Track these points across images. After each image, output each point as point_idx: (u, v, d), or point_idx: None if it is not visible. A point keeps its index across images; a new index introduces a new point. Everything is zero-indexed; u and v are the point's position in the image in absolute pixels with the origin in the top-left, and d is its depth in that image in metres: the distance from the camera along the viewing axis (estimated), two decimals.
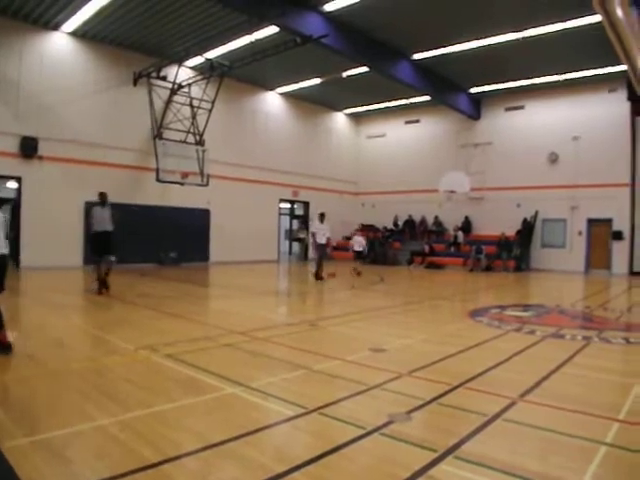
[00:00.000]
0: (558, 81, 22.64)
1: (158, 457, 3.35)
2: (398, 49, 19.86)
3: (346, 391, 4.88)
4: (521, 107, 24.84)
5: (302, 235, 28.21)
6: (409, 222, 27.97)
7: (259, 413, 4.39)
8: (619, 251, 22.18)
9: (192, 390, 4.86)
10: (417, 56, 20.41)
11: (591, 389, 5.40)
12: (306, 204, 28.23)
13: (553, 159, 23.66)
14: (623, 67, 17.20)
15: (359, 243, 18.87)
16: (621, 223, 22.05)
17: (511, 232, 23.73)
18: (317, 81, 23.64)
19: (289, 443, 3.80)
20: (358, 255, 18.89)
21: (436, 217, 27.13)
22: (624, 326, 9.49)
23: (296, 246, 29.75)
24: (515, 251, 23.14)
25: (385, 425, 4.00)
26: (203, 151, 20.52)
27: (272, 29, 17.12)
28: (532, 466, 3.40)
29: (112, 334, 7.42)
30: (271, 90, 25.66)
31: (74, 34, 18.41)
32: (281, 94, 26.18)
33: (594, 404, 4.77)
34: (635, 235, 22.10)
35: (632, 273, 21.73)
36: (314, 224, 17.01)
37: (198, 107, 20.77)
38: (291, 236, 30.15)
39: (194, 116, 20.80)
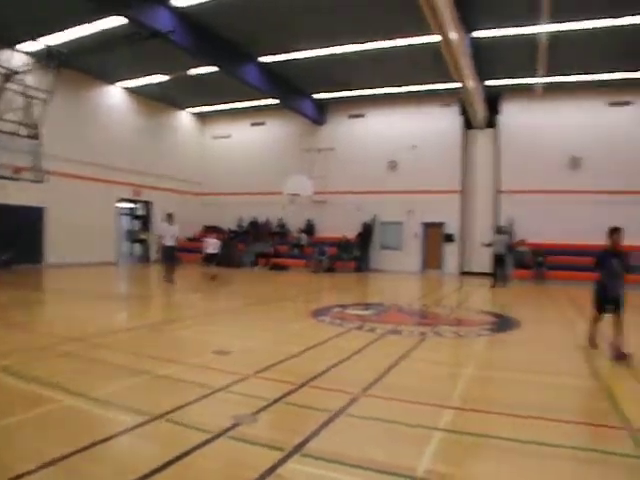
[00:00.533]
0: (399, 93, 23.90)
1: None
2: (246, 51, 19.78)
3: (191, 395, 4.79)
4: (363, 115, 25.90)
5: (143, 236, 27.22)
6: (253, 224, 27.98)
7: (101, 424, 4.17)
8: (450, 252, 24.00)
9: (27, 404, 4.51)
10: (264, 59, 20.47)
11: (426, 380, 5.80)
12: (148, 204, 27.20)
13: (392, 166, 24.97)
14: (456, 85, 18.63)
15: (213, 245, 18.34)
16: (452, 226, 23.89)
17: (352, 234, 24.52)
18: (163, 78, 22.88)
19: (134, 453, 3.66)
20: (211, 257, 18.34)
21: (280, 219, 27.41)
22: (455, 321, 10.22)
23: (138, 248, 28.57)
24: (355, 253, 24.03)
25: (231, 428, 4.00)
26: (38, 145, 19.03)
27: (118, 20, 16.19)
28: (375, 456, 3.60)
29: None
30: (115, 84, 24.39)
31: None
32: (125, 89, 25.00)
33: (429, 394, 5.15)
34: (464, 238, 24.04)
35: (462, 273, 23.60)
36: (161, 225, 16.34)
37: (33, 97, 19.11)
38: (132, 237, 28.94)
39: (29, 107, 19.17)
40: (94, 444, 3.65)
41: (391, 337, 8.17)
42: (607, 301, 7.31)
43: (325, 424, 4.12)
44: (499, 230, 17.69)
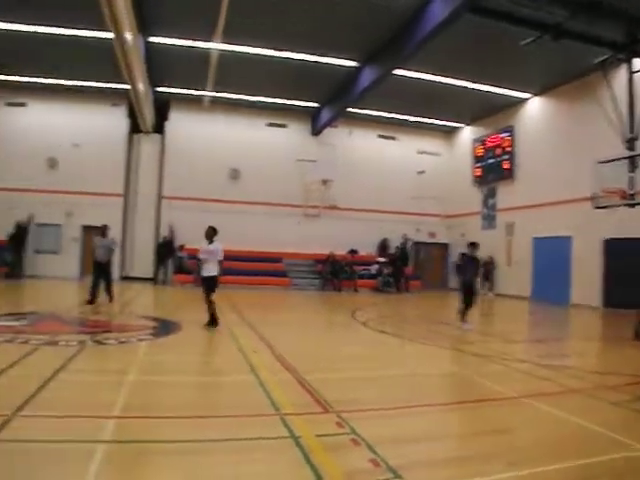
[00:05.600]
0: (65, 85, 22.55)
1: None
2: None
3: None
4: (23, 104, 23.41)
5: None
6: None
7: None
8: None
9: None
10: None
11: (87, 392, 5.54)
12: None
13: (52, 164, 23.23)
14: (126, 86, 18.32)
15: None
16: (115, 231, 21.30)
17: (2, 236, 21.85)
18: None
19: None
20: None
21: None
22: (116, 327, 10.10)
23: None
24: (7, 257, 21.54)
25: None
26: None
27: None
28: None
29: None
30: None
31: None
32: None
33: (90, 406, 4.90)
34: (127, 242, 23.70)
35: (123, 278, 22.96)
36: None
37: None
38: None
39: None
40: None
41: (47, 348, 7.61)
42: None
43: None
44: (103, 232, 14.48)
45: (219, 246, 10.30)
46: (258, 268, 23.22)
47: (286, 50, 18.01)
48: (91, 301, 13.10)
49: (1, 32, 17.17)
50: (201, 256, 10.47)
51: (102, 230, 14.18)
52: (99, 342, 8.32)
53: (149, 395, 5.59)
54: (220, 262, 10.29)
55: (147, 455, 3.93)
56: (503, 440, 4.56)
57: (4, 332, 8.63)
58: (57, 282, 21.00)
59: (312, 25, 16.19)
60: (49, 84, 22.40)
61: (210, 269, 10.23)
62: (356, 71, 19.40)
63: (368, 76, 18.72)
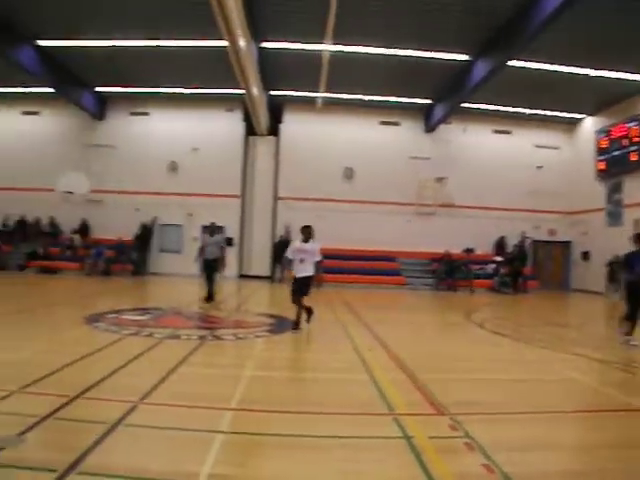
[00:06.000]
0: (183, 93, 23.73)
1: None
2: (21, 31, 17.72)
3: None
4: (146, 113, 25.06)
5: None
6: (21, 222, 24.79)
7: None
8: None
9: None
10: (43, 43, 18.69)
11: (206, 384, 5.85)
12: None
13: (173, 168, 24.64)
14: (241, 91, 19.00)
15: None
16: (233, 231, 24.03)
17: (130, 236, 23.40)
18: None
19: None
20: None
21: (52, 218, 24.76)
22: (234, 324, 10.50)
23: None
24: (133, 255, 23.02)
25: None
26: None
27: None
28: (157, 465, 3.53)
29: None
30: None
31: None
32: None
33: (209, 397, 5.15)
34: (244, 241, 24.72)
35: (241, 276, 24.14)
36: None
37: None
38: None
39: None
40: None
41: (170, 342, 8.05)
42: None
43: (103, 437, 3.89)
44: (212, 231, 14.43)
45: (316, 246, 9.61)
46: (372, 267, 23.25)
47: (397, 47, 17.89)
48: (210, 298, 13.66)
49: (123, 48, 18.66)
50: (291, 255, 9.64)
51: (210, 228, 14.60)
52: (218, 337, 8.70)
53: (265, 389, 5.76)
54: (318, 262, 9.60)
55: (261, 447, 4.08)
56: (623, 456, 4.25)
57: (130, 325, 9.25)
58: (178, 279, 22.14)
59: (422, 20, 15.98)
60: (169, 93, 23.83)
61: (305, 269, 9.41)
62: (468, 65, 18.94)
63: (481, 69, 18.23)
